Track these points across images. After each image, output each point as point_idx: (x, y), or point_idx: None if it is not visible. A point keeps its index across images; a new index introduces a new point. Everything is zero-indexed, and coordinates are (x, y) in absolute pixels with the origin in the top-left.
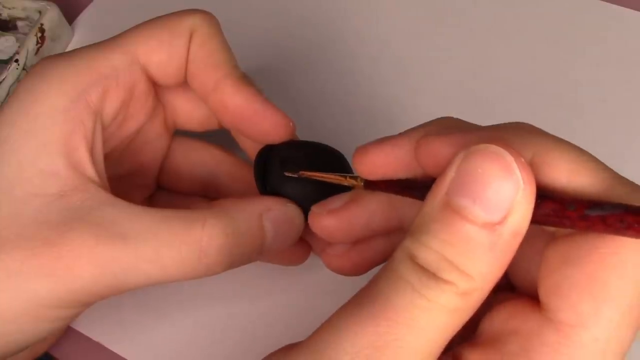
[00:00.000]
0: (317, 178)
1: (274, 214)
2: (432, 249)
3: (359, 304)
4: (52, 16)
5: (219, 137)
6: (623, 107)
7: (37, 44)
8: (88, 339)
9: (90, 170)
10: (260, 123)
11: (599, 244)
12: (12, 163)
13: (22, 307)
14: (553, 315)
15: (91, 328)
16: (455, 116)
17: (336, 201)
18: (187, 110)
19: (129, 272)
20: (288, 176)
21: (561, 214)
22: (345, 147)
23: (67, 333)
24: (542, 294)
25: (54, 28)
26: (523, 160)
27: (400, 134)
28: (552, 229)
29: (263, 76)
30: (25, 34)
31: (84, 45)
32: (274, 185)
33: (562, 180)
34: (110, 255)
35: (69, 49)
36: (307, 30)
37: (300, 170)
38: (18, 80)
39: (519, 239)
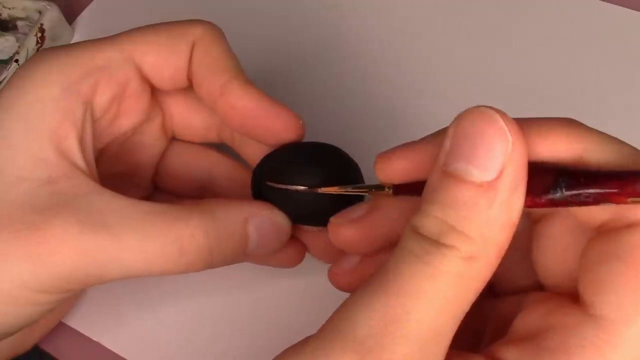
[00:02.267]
0: (341, 192)
1: (259, 220)
2: (433, 216)
3: (370, 283)
4: (52, 16)
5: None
6: (623, 107)
7: (37, 44)
8: (87, 338)
9: (79, 159)
10: (270, 123)
11: (638, 239)
12: (2, 146)
13: (4, 288)
14: (594, 311)
15: (90, 327)
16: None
17: (357, 210)
18: (185, 119)
19: (111, 262)
20: (269, 187)
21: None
22: (347, 148)
23: (65, 332)
24: (583, 290)
25: (54, 28)
26: (509, 116)
27: (421, 139)
28: (589, 225)
29: (264, 79)
30: (25, 34)
31: None
32: (264, 193)
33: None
34: (93, 244)
35: None
36: (306, 33)
37: (282, 175)
38: None
39: (518, 198)
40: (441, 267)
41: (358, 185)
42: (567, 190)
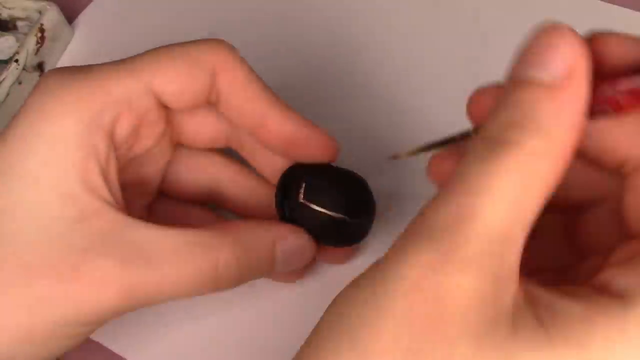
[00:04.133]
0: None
1: (286, 244)
2: (497, 119)
3: (443, 186)
4: (52, 16)
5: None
6: None
7: (37, 44)
8: (88, 339)
9: (106, 194)
10: (310, 147)
11: None
12: (30, 187)
13: (50, 329)
14: None
15: None
16: (457, 117)
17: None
18: (195, 129)
19: (152, 294)
20: (305, 206)
21: None
22: (347, 148)
23: None
24: None
25: (54, 28)
26: (575, 30)
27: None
28: None
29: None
30: (25, 34)
31: (84, 45)
32: (292, 213)
33: None
34: (135, 280)
35: (69, 49)
36: (307, 33)
37: (318, 198)
38: (18, 80)
39: (582, 99)
40: (506, 163)
41: (444, 138)
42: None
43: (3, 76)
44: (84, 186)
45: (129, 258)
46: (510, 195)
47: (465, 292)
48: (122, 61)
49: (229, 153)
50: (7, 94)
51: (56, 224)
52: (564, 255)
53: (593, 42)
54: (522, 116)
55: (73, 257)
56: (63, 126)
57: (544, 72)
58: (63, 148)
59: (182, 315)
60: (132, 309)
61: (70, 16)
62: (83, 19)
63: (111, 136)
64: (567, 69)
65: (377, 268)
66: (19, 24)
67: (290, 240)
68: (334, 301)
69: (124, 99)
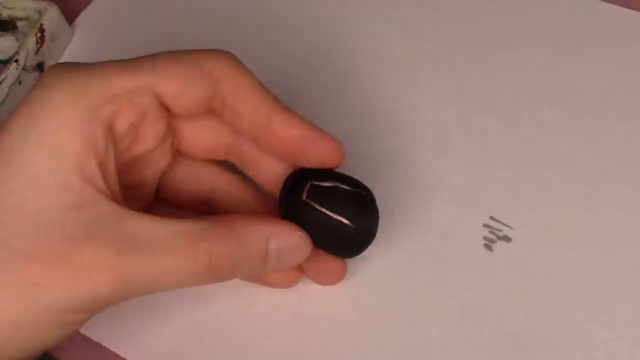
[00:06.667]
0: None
1: (281, 240)
2: None
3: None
4: (52, 16)
5: None
6: (623, 107)
7: (37, 44)
8: (88, 339)
9: (102, 184)
10: (317, 151)
11: None
12: (26, 174)
13: (42, 316)
14: None
15: (91, 328)
16: (455, 116)
17: None
18: (196, 138)
19: (146, 282)
20: (307, 205)
21: None
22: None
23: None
24: None
25: (54, 28)
26: None
27: None
28: None
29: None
30: (25, 34)
31: (84, 45)
32: (293, 211)
33: None
34: (129, 268)
35: (69, 49)
36: (305, 34)
37: (321, 198)
38: (18, 80)
39: None
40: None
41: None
42: None
43: (3, 76)
44: (80, 175)
45: (123, 246)
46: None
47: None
48: (126, 59)
49: (222, 163)
50: (7, 94)
51: (50, 211)
52: None
53: None
54: None
55: (66, 244)
56: (62, 115)
57: None
58: (61, 136)
59: (183, 316)
60: (126, 299)
61: (70, 16)
62: (83, 19)
63: (110, 129)
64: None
65: None
66: (19, 24)
67: (285, 236)
68: None
69: (124, 93)
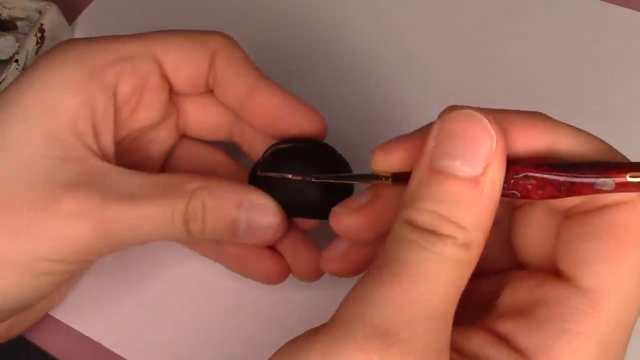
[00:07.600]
0: (337, 181)
1: (250, 204)
2: (427, 210)
3: (376, 273)
4: (52, 16)
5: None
6: (623, 107)
7: (37, 44)
8: (88, 339)
9: (92, 142)
10: (297, 119)
11: (612, 219)
12: (20, 123)
13: (29, 258)
14: (578, 284)
15: (91, 328)
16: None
17: (359, 199)
18: (199, 118)
19: (130, 231)
20: (262, 178)
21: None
22: (345, 147)
23: (66, 332)
24: (565, 266)
25: (54, 28)
26: (492, 117)
27: (415, 131)
28: (560, 209)
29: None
30: (25, 34)
31: None
32: (258, 186)
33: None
34: (113, 215)
35: None
36: (305, 32)
37: (277, 165)
38: None
39: (498, 189)
40: (445, 253)
41: (355, 174)
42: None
43: (3, 76)
44: (73, 130)
45: (105, 195)
46: (448, 280)
47: None
48: (129, 34)
49: (226, 149)
50: None
51: (40, 160)
52: None
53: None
54: (450, 211)
55: (54, 191)
56: (64, 75)
57: (466, 167)
58: (58, 93)
59: (183, 316)
60: (109, 249)
61: (70, 16)
62: (83, 19)
63: (113, 93)
64: (487, 161)
65: None
66: (19, 24)
67: (255, 201)
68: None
69: (127, 57)
